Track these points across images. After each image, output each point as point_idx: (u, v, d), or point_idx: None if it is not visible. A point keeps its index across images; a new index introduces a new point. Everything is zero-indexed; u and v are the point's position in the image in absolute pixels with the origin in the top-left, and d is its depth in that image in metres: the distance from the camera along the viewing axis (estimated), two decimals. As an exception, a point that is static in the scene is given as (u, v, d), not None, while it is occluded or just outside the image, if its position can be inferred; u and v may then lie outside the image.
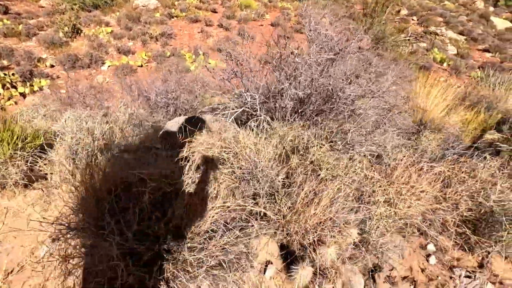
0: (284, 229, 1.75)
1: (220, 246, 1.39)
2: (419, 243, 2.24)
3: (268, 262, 1.72)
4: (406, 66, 7.83)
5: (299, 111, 2.77)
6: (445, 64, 12.00)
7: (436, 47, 12.37)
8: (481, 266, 2.11)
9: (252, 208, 1.64)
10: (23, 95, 7.97)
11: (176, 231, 1.41)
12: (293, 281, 1.60)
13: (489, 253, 2.09)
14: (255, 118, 2.36)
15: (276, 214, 1.75)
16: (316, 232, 1.66)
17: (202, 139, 2.24)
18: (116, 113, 3.29)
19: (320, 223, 1.72)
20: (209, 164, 1.85)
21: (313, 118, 2.63)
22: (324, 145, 2.18)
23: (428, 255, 2.14)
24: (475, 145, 3.52)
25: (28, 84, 8.12)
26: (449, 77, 11.03)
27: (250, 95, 2.35)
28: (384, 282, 1.96)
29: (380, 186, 2.15)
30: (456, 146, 3.43)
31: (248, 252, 1.66)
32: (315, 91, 2.46)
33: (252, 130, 2.26)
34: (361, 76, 2.48)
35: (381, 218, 1.93)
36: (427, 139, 3.27)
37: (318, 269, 1.58)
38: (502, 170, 2.57)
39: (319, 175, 1.97)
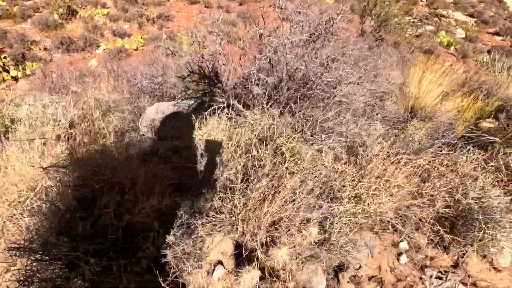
0: (238, 227, 1.63)
1: (155, 247, 1.28)
2: (391, 241, 2.11)
3: (219, 262, 1.62)
4: (407, 50, 7.49)
5: (275, 98, 2.60)
6: (452, 48, 11.52)
7: (443, 30, 11.85)
8: (456, 266, 1.99)
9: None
10: (15, 79, 7.88)
11: (105, 231, 1.30)
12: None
13: (464, 253, 1.96)
14: (218, 106, 2.21)
15: (229, 212, 1.63)
16: (268, 231, 1.54)
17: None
18: (89, 98, 3.16)
19: (275, 222, 1.60)
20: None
21: (288, 106, 2.47)
22: (291, 136, 2.03)
23: (399, 254, 2.01)
24: (468, 134, 3.32)
25: (20, 67, 8.01)
26: (455, 62, 10.61)
27: (213, 80, 2.19)
28: (348, 282, 1.85)
29: (350, 181, 2.00)
30: (447, 136, 3.24)
31: (196, 251, 1.55)
32: (287, 77, 2.28)
33: (214, 117, 2.12)
34: (337, 59, 2.29)
35: (346, 215, 1.80)
36: (414, 128, 3.08)
37: (266, 272, 1.47)
38: (488, 163, 2.40)
39: (281, 168, 1.83)
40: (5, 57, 8.05)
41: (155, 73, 5.02)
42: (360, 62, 2.48)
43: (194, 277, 1.48)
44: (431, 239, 2.09)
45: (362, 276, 1.89)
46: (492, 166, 2.38)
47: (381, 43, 8.32)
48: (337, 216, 1.75)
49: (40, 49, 9.17)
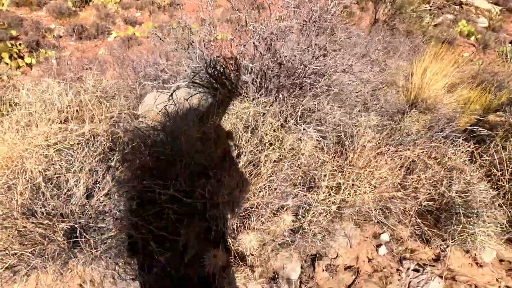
0: (208, 212, 1.66)
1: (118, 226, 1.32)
2: (373, 232, 2.09)
3: (190, 246, 1.65)
4: (421, 39, 7.22)
5: (266, 86, 2.59)
6: (472, 38, 11.00)
7: (463, 19, 11.31)
8: (437, 259, 1.96)
9: (161, 191, 1.55)
10: (30, 65, 8.12)
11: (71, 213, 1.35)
12: (209, 267, 1.53)
13: (446, 247, 1.92)
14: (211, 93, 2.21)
15: (202, 196, 1.66)
16: (239, 217, 1.56)
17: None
18: (87, 85, 3.22)
19: (247, 208, 1.61)
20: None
21: (277, 94, 2.45)
22: (274, 124, 2.03)
23: (379, 245, 1.99)
24: (470, 128, 3.20)
25: (34, 54, 8.24)
26: (475, 52, 10.15)
27: (194, 66, 2.19)
28: (323, 270, 1.86)
29: (332, 171, 1.98)
30: (447, 129, 3.14)
31: (170, 233, 1.59)
32: (277, 64, 2.26)
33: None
34: (325, 48, 2.23)
35: (323, 204, 1.79)
36: (412, 119, 3.00)
37: (232, 256, 1.50)
38: (482, 157, 2.33)
39: (259, 156, 1.83)
40: (20, 44, 8.29)
41: (158, 61, 5.07)
42: (355, 50, 2.40)
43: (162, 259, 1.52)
44: (414, 232, 2.07)
45: (338, 265, 1.89)
46: (485, 160, 2.30)
47: (394, 32, 8.05)
48: (311, 205, 1.74)
49: (54, 37, 9.39)
